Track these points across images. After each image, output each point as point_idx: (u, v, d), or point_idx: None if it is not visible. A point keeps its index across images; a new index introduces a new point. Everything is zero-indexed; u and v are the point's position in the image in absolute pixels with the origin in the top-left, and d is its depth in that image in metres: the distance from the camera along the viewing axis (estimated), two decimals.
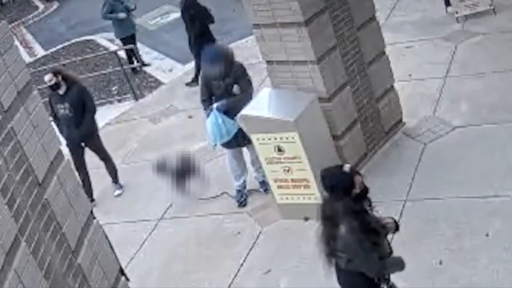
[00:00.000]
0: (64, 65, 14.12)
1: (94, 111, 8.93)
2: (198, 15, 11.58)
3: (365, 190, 4.91)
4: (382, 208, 6.95)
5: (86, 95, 8.93)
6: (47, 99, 8.85)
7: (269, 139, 7.12)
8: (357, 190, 4.84)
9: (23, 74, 3.65)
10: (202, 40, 11.51)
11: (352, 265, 4.79)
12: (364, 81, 7.94)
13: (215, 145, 7.74)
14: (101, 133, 11.41)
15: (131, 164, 10.10)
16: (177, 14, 17.01)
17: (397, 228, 5.04)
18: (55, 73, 8.74)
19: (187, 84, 12.12)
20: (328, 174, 5.00)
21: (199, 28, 11.57)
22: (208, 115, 7.66)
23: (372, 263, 4.76)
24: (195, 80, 11.74)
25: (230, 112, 7.43)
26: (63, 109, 8.70)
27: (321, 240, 4.86)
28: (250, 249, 7.25)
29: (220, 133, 7.54)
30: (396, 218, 6.85)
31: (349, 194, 4.80)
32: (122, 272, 5.01)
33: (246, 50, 12.06)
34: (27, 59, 17.62)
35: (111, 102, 13.46)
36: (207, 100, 7.82)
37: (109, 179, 9.33)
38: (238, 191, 8.03)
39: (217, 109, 7.51)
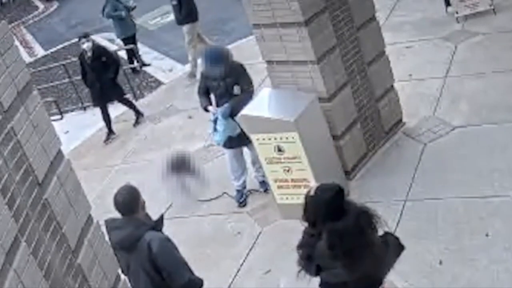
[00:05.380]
0: (64, 65, 14.14)
1: None
2: (110, 61, 11.09)
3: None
4: (382, 208, 7.00)
5: None
6: None
7: (269, 139, 7.12)
8: None
9: (23, 74, 3.65)
10: (114, 89, 11.11)
11: None
12: (364, 81, 7.94)
13: (219, 144, 7.81)
14: (101, 133, 11.44)
15: (131, 164, 10.10)
16: None
17: None
18: None
19: (104, 142, 11.24)
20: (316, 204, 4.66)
21: (113, 74, 11.09)
22: (214, 120, 7.67)
23: None
24: (111, 133, 11.22)
25: (234, 113, 7.41)
26: None
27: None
28: (250, 249, 7.25)
29: (222, 135, 7.59)
30: (396, 218, 6.88)
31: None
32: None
33: (246, 50, 12.05)
34: (27, 59, 17.64)
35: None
36: (203, 96, 7.86)
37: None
38: (238, 191, 8.03)
39: (222, 115, 7.50)
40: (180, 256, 5.03)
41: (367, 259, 4.49)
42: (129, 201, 5.00)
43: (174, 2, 12.26)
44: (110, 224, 4.97)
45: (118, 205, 5.00)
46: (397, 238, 4.84)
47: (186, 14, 12.21)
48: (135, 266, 4.93)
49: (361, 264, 4.52)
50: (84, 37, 11.15)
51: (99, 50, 11.15)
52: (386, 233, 4.75)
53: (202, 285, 5.14)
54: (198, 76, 10.72)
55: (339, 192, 4.58)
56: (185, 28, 12.38)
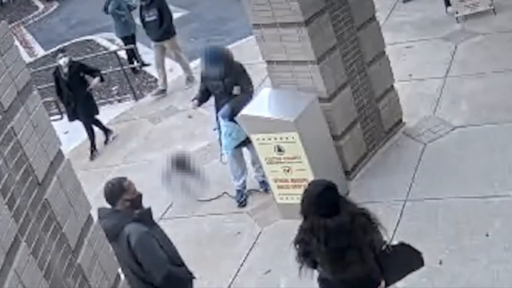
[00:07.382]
0: None
1: None
2: (91, 74, 10.83)
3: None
4: (382, 208, 7.01)
5: None
6: None
7: (269, 139, 7.13)
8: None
9: (23, 74, 3.64)
10: (85, 108, 10.72)
11: None
12: (364, 81, 7.94)
13: (227, 150, 7.78)
14: (101, 133, 11.45)
15: (131, 164, 10.10)
16: (177, 14, 17.04)
17: None
18: None
19: (105, 142, 11.09)
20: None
21: (100, 80, 10.88)
22: (219, 127, 7.67)
23: None
24: (93, 152, 10.85)
25: (234, 113, 7.41)
26: None
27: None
28: (250, 249, 7.25)
29: (230, 141, 7.58)
30: (396, 218, 6.88)
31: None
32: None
33: (246, 50, 12.05)
34: (27, 59, 17.63)
35: (111, 102, 13.47)
36: (203, 92, 7.92)
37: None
38: (238, 191, 8.03)
39: (223, 117, 7.49)
40: (159, 250, 5.04)
41: (352, 262, 4.48)
42: (109, 190, 5.21)
43: (153, 17, 11.75)
44: (101, 213, 5.13)
45: (104, 194, 5.23)
46: (418, 253, 4.82)
47: (167, 29, 11.81)
48: (119, 257, 5.00)
49: (345, 265, 4.50)
50: (61, 51, 10.93)
51: (76, 66, 10.69)
52: (404, 245, 4.77)
53: (189, 277, 5.18)
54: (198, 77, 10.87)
55: (329, 188, 4.61)
56: (167, 44, 11.99)
